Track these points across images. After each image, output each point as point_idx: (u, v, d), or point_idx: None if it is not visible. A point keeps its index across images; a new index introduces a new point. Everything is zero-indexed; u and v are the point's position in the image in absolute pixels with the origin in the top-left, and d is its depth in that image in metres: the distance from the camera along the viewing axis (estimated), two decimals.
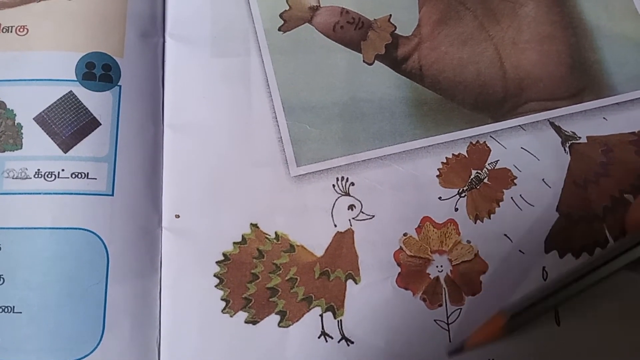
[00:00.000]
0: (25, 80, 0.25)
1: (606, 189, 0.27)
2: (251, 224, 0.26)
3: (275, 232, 0.26)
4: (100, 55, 0.26)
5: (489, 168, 0.27)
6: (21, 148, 0.25)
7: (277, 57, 0.28)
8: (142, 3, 0.28)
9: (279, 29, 0.29)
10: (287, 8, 0.29)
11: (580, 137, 0.27)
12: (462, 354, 0.24)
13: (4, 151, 0.25)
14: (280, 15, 0.29)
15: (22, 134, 0.25)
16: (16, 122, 0.25)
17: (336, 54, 0.28)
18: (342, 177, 0.26)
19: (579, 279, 0.23)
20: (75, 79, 0.26)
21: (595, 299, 0.25)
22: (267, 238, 0.26)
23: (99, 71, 0.26)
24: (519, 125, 0.27)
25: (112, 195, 0.25)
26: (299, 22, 0.29)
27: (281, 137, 0.27)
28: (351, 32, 0.29)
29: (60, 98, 0.25)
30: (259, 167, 0.27)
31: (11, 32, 0.26)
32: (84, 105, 0.25)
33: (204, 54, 0.28)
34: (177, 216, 0.26)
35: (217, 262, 0.25)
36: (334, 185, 0.26)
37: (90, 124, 0.25)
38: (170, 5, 0.29)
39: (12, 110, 0.25)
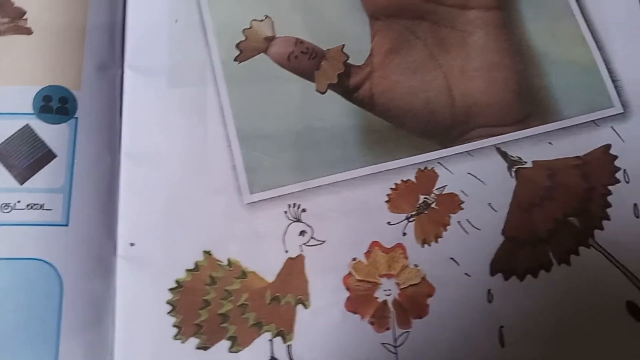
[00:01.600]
0: None
1: (551, 213, 0.27)
2: (204, 251, 0.27)
3: (228, 259, 0.26)
4: (57, 88, 0.27)
5: (437, 193, 0.28)
6: None
7: (233, 87, 0.29)
8: (101, 36, 0.29)
9: (235, 59, 0.29)
10: (243, 39, 0.30)
11: (526, 162, 0.28)
12: None
13: None
14: (237, 46, 0.30)
15: None
16: None
17: (290, 83, 0.29)
18: (294, 204, 0.27)
19: None
20: (32, 112, 0.26)
21: (540, 317, 0.26)
22: (219, 265, 0.26)
23: (55, 104, 0.27)
24: (466, 151, 0.28)
25: (67, 225, 0.26)
26: (255, 53, 0.30)
27: (235, 166, 0.28)
28: (305, 62, 0.29)
29: (17, 131, 0.26)
30: (213, 195, 0.27)
31: None
32: (40, 138, 0.26)
33: (161, 84, 0.29)
34: (132, 244, 0.27)
35: (170, 290, 0.26)
36: (285, 212, 0.27)
37: (46, 156, 0.26)
38: (130, 36, 0.30)
39: None
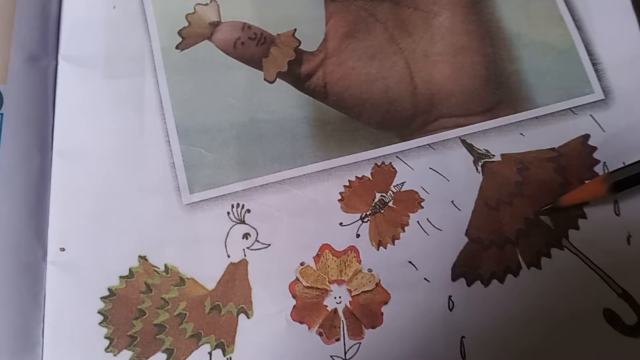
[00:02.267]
0: None
1: (520, 211, 0.25)
2: (139, 256, 0.24)
3: (165, 265, 0.24)
4: None
5: (395, 190, 0.25)
6: None
7: (173, 77, 0.27)
8: (31, 24, 0.27)
9: (177, 47, 0.27)
10: (186, 25, 0.27)
11: (494, 155, 0.26)
12: (553, 212, 0.24)
13: None
14: (179, 33, 0.27)
15: None
16: None
17: (236, 72, 0.27)
18: (238, 204, 0.25)
19: None
20: None
21: (506, 327, 0.23)
22: (156, 271, 0.24)
23: None
24: (428, 144, 0.26)
25: None
26: (198, 39, 0.27)
27: (174, 163, 0.25)
28: (252, 48, 0.27)
29: None
30: (149, 195, 0.25)
31: None
32: None
33: (97, 76, 0.27)
34: (63, 249, 0.25)
35: (101, 298, 0.24)
36: (228, 213, 0.25)
37: None
38: (64, 24, 0.27)
39: None
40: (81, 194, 0.25)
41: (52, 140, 0.26)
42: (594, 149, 0.26)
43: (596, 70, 0.27)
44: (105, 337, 0.23)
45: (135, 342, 0.23)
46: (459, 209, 0.25)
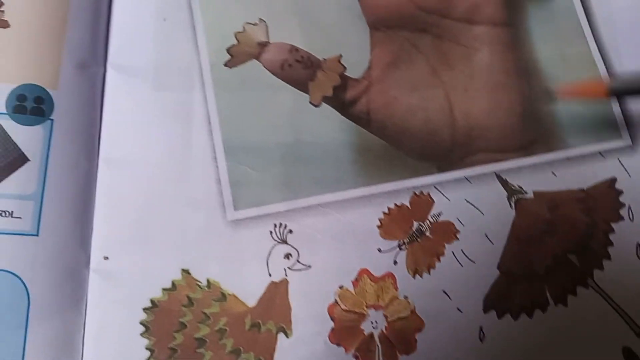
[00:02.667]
0: None
1: (550, 248, 0.26)
2: (182, 269, 0.25)
3: (207, 279, 0.25)
4: (32, 87, 0.25)
5: (432, 220, 0.26)
6: None
7: (221, 93, 0.27)
8: (82, 31, 0.27)
9: (225, 64, 0.28)
10: (235, 43, 0.28)
11: (526, 192, 0.27)
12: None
13: None
14: (228, 50, 0.28)
15: None
16: None
17: (282, 93, 0.27)
18: (281, 224, 0.26)
19: None
20: (5, 111, 0.24)
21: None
22: (198, 285, 0.25)
23: (30, 104, 0.25)
24: (465, 177, 0.27)
25: (37, 235, 0.24)
26: (246, 58, 0.28)
27: (219, 179, 0.26)
28: (299, 71, 0.28)
29: None
30: (194, 209, 0.26)
31: None
32: (12, 140, 0.24)
33: (145, 87, 0.27)
34: (106, 258, 0.25)
35: (144, 309, 0.24)
36: (271, 232, 0.26)
37: (18, 159, 0.24)
38: (114, 33, 0.28)
39: None
40: (126, 203, 0.26)
41: (98, 148, 0.26)
42: (620, 192, 0.27)
43: (625, 117, 0.28)
44: (146, 348, 0.24)
45: (176, 355, 0.24)
46: (492, 242, 0.26)
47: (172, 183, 0.26)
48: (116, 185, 0.26)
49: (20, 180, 0.24)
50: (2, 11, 0.25)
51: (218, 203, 0.26)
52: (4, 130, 0.24)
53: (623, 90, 0.24)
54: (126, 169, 0.26)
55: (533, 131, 0.28)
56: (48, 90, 0.25)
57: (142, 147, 0.26)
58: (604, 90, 0.24)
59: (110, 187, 0.26)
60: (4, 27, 0.25)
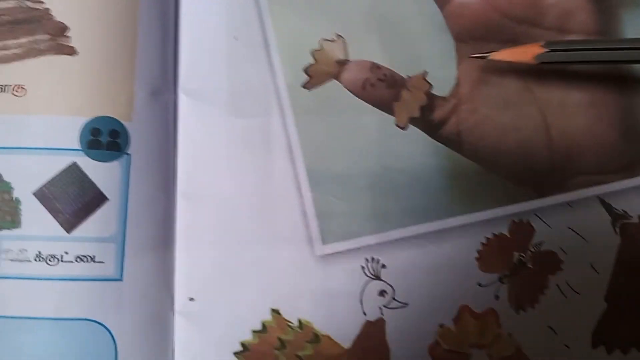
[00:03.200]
0: (23, 148, 0.23)
1: None
2: (272, 309, 0.24)
3: (299, 320, 0.24)
4: (106, 120, 0.23)
5: (533, 250, 0.25)
6: (20, 226, 0.22)
7: (301, 117, 0.25)
8: (152, 54, 0.25)
9: (304, 86, 0.26)
10: (313, 62, 0.26)
11: (631, 217, 0.25)
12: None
13: (0, 229, 0.22)
14: (305, 70, 0.26)
15: (20, 210, 0.23)
16: (14, 196, 0.23)
17: (366, 115, 0.26)
18: (373, 258, 0.24)
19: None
20: (80, 147, 0.23)
21: None
22: (289, 326, 0.24)
23: (105, 138, 0.23)
24: (566, 202, 0.25)
25: (121, 280, 0.23)
26: (326, 78, 0.26)
27: (305, 211, 0.25)
28: (382, 90, 0.26)
29: (63, 170, 0.23)
30: (280, 245, 0.24)
31: (6, 91, 0.23)
32: (89, 178, 0.23)
33: (221, 113, 0.25)
34: (191, 299, 0.24)
35: (235, 353, 0.23)
36: (363, 267, 0.24)
37: (96, 199, 0.23)
38: (183, 56, 0.26)
39: (9, 183, 0.23)
40: (208, 239, 0.24)
41: (175, 181, 0.25)
42: None
43: None
44: None
45: None
46: (598, 272, 0.24)
47: (256, 217, 0.24)
48: (197, 221, 0.24)
49: (100, 221, 0.23)
50: (68, 37, 0.24)
51: (305, 237, 0.24)
52: (79, 168, 0.23)
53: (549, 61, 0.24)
54: (206, 203, 0.25)
55: (636, 148, 0.26)
56: (123, 122, 0.24)
57: (221, 179, 0.25)
58: (532, 59, 0.24)
59: (191, 223, 0.24)
60: (71, 55, 0.24)
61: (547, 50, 0.24)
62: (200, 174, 0.25)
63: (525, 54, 0.24)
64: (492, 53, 0.25)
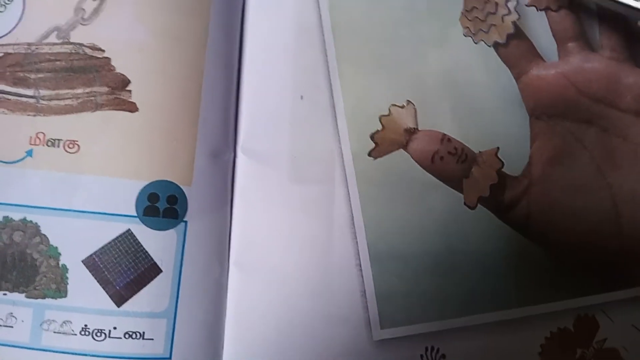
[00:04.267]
0: (74, 211, 0.21)
1: None
2: None
3: None
4: (165, 184, 0.22)
5: (596, 347, 0.24)
6: (65, 296, 0.21)
7: (365, 189, 0.24)
8: (215, 113, 0.23)
9: (369, 154, 0.24)
10: (380, 128, 0.25)
11: None
12: None
13: (44, 297, 0.21)
14: (372, 137, 0.25)
15: (67, 278, 0.21)
16: (61, 263, 0.21)
17: (433, 191, 0.24)
18: (432, 347, 0.23)
19: None
20: (135, 214, 0.21)
21: None
22: None
23: (163, 205, 0.22)
24: (632, 298, 0.24)
25: (170, 358, 0.21)
26: (393, 147, 0.25)
27: (365, 291, 0.23)
28: (452, 165, 0.25)
29: (116, 238, 0.21)
30: (336, 325, 0.23)
31: (58, 146, 0.21)
32: (144, 248, 0.21)
33: (281, 177, 0.24)
34: None
35: None
36: (422, 356, 0.23)
37: (149, 270, 0.21)
38: (245, 113, 0.24)
39: (57, 247, 0.21)
40: (261, 313, 0.23)
41: (229, 249, 0.23)
42: None
43: None
44: None
45: None
46: None
47: (312, 293, 0.23)
48: (249, 293, 0.23)
49: (152, 295, 0.21)
50: (129, 91, 0.22)
51: (363, 319, 0.23)
52: (134, 236, 0.21)
53: None
54: (260, 274, 0.23)
55: None
56: (182, 187, 0.22)
57: (277, 249, 0.23)
58: None
59: (243, 294, 0.23)
60: (132, 111, 0.22)
61: None
62: (255, 243, 0.23)
63: None
64: None
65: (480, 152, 0.25)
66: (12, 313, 0.21)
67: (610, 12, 0.26)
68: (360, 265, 0.24)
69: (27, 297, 0.21)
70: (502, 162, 0.25)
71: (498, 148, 0.25)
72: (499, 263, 0.24)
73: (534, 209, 0.25)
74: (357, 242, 0.24)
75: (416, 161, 0.25)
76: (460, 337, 0.23)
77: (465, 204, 0.24)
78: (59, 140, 0.22)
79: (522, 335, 0.23)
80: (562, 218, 0.25)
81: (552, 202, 0.25)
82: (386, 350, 0.23)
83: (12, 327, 0.21)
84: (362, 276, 0.23)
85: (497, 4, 0.26)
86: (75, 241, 0.21)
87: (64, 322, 0.21)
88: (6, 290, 0.21)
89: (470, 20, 0.26)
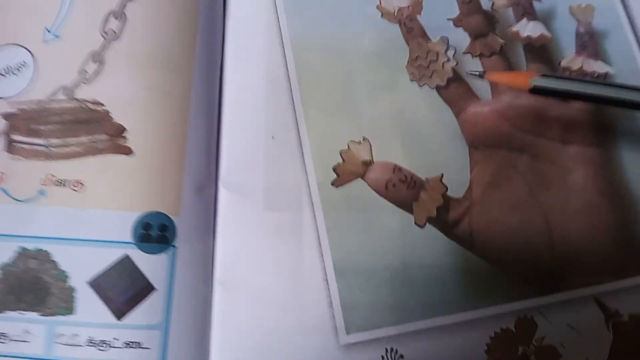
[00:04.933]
0: (79, 240, 0.25)
1: None
2: None
3: None
4: (157, 215, 0.26)
5: (536, 344, 0.27)
6: (73, 313, 0.24)
7: (330, 214, 0.28)
8: (199, 153, 0.28)
9: (332, 184, 0.29)
10: (341, 161, 0.29)
11: (623, 315, 0.28)
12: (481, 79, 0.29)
13: (55, 315, 0.24)
14: (334, 169, 0.29)
15: (75, 297, 0.25)
16: (69, 285, 0.25)
17: (388, 213, 0.28)
18: (392, 349, 0.27)
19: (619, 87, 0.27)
20: (132, 241, 0.25)
21: None
22: None
23: (155, 232, 0.26)
24: (565, 300, 0.28)
25: None
26: (352, 177, 0.29)
27: (332, 302, 0.27)
28: (403, 191, 0.29)
29: (116, 262, 0.25)
30: (308, 334, 0.26)
31: (65, 186, 0.25)
32: (140, 270, 0.25)
33: (257, 206, 0.28)
34: None
35: None
36: (382, 357, 0.26)
37: (145, 289, 0.25)
38: (224, 152, 0.29)
39: (65, 271, 0.25)
40: (242, 326, 0.26)
41: (213, 270, 0.27)
42: None
43: None
44: None
45: None
46: None
47: (287, 307, 0.27)
48: (232, 309, 0.27)
49: (147, 310, 0.25)
50: (125, 137, 0.26)
51: (331, 327, 0.27)
52: (131, 260, 0.25)
53: (543, 90, 0.27)
54: (240, 291, 0.27)
55: (627, 253, 0.29)
56: (171, 217, 0.26)
57: (255, 269, 0.27)
58: (527, 85, 0.27)
59: (226, 310, 0.27)
60: (128, 154, 0.26)
61: (540, 75, 0.27)
62: (236, 263, 0.27)
63: (520, 78, 0.28)
64: (488, 73, 0.28)
65: (427, 178, 0.29)
66: (27, 330, 0.24)
67: (535, 55, 0.31)
68: (327, 280, 0.27)
69: (40, 315, 0.24)
70: (446, 187, 0.29)
71: (442, 175, 0.29)
72: (448, 274, 0.28)
73: (475, 227, 0.29)
74: (323, 260, 0.27)
75: (372, 188, 0.29)
76: (416, 339, 0.27)
77: (416, 223, 0.28)
78: (66, 180, 0.26)
79: (469, 335, 0.27)
80: (500, 234, 0.29)
81: (491, 220, 0.29)
82: (352, 353, 0.26)
83: (28, 341, 0.24)
84: (328, 289, 0.27)
85: (437, 53, 0.31)
86: (81, 265, 0.25)
87: (72, 336, 0.24)
88: (22, 310, 0.24)
89: (415, 68, 0.30)
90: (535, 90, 0.27)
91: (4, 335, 0.24)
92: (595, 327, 0.28)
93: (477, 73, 0.28)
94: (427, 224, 0.28)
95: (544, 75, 0.27)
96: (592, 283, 0.28)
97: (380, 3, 0.31)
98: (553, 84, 0.27)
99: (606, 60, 0.31)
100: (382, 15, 0.31)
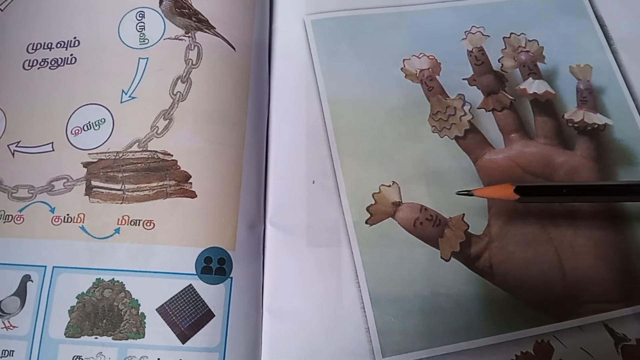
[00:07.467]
0: (150, 272, 0.29)
1: None
2: None
3: None
4: (216, 250, 0.30)
5: None
6: (143, 337, 0.28)
7: (365, 249, 0.32)
8: (252, 196, 0.32)
9: (366, 222, 0.32)
10: (373, 202, 0.33)
11: (630, 339, 0.31)
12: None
13: (127, 339, 0.28)
14: (367, 209, 0.33)
15: (145, 323, 0.28)
16: (140, 312, 0.28)
17: (417, 248, 0.32)
18: None
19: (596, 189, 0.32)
20: (195, 272, 0.29)
21: None
22: None
23: (215, 265, 0.29)
24: (578, 326, 0.31)
25: None
26: (383, 217, 0.33)
27: (368, 328, 0.30)
28: (429, 228, 0.32)
29: (181, 291, 0.29)
30: (347, 356, 0.30)
31: (138, 225, 0.29)
32: (201, 298, 0.29)
33: (301, 243, 0.32)
34: None
35: None
36: None
37: (206, 315, 0.29)
38: (271, 195, 0.33)
39: (137, 300, 0.28)
40: (288, 351, 0.30)
41: (262, 298, 0.31)
42: None
43: None
44: None
45: None
46: None
47: (328, 333, 0.30)
48: (279, 335, 0.30)
49: (208, 334, 0.28)
50: (190, 183, 0.30)
51: (368, 350, 0.30)
52: (194, 289, 0.29)
53: (526, 192, 0.30)
54: (287, 319, 0.30)
55: (631, 283, 0.32)
56: (228, 251, 0.30)
57: (300, 298, 0.31)
58: (511, 194, 0.30)
59: (274, 336, 0.30)
60: (192, 197, 0.30)
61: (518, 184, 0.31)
62: (282, 293, 0.31)
63: (502, 190, 0.31)
64: (474, 190, 0.31)
65: (450, 217, 0.33)
66: (101, 352, 0.28)
67: (541, 109, 0.35)
68: (364, 308, 0.31)
69: (113, 339, 0.28)
70: (468, 225, 0.33)
71: (464, 214, 0.33)
72: (471, 302, 0.31)
73: (494, 260, 0.32)
74: (360, 290, 0.31)
75: (402, 226, 0.32)
76: None
77: (441, 257, 0.32)
78: (139, 220, 0.29)
79: (492, 358, 0.30)
80: (517, 267, 0.32)
81: (509, 254, 0.32)
82: None
83: None
84: (365, 316, 0.30)
85: (455, 108, 0.35)
86: (151, 294, 0.28)
87: (142, 357, 0.28)
88: (97, 334, 0.28)
89: (436, 121, 0.35)
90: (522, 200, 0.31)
91: (80, 358, 0.27)
92: (606, 351, 0.31)
93: (466, 192, 0.31)
94: (452, 258, 0.32)
95: (522, 185, 0.31)
96: (602, 310, 0.31)
97: (404, 66, 0.36)
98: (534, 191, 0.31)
99: (604, 113, 0.35)
100: (406, 76, 0.36)
